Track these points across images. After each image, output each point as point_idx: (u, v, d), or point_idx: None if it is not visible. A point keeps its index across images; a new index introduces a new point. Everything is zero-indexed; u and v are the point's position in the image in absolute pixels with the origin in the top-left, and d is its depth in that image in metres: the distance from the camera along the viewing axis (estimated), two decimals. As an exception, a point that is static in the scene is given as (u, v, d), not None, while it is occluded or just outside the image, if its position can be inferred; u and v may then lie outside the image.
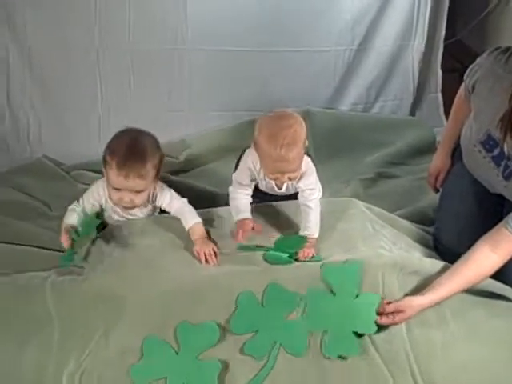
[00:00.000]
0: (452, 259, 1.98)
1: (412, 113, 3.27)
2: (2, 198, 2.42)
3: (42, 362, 1.60)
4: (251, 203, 1.91)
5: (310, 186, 1.84)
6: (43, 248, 2.15)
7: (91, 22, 2.70)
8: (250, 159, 1.86)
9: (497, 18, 3.44)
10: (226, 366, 1.58)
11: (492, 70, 1.87)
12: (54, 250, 2.13)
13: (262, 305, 1.66)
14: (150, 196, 1.93)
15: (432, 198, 2.35)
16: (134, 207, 1.90)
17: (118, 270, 1.77)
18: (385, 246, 1.88)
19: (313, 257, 1.79)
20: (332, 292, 1.68)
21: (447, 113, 2.57)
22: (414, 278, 1.75)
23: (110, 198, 1.89)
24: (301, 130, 1.73)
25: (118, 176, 1.78)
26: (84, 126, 2.83)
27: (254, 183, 1.90)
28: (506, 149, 1.79)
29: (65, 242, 1.85)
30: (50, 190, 2.54)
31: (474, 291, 1.80)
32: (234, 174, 1.91)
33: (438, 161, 2.27)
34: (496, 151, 1.88)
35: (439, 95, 3.26)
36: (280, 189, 1.91)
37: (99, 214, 1.96)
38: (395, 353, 1.63)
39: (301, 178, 1.83)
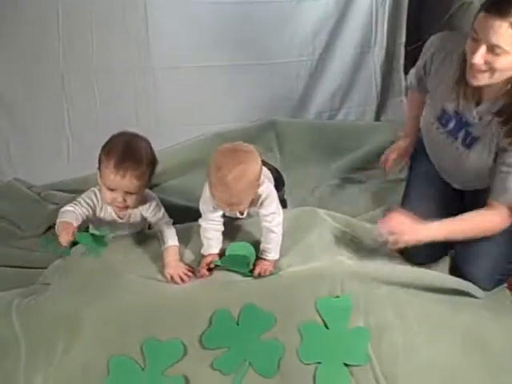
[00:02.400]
0: (412, 261, 2.07)
1: (377, 118, 3.34)
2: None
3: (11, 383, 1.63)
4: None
5: (272, 211, 1.84)
6: (13, 266, 2.23)
7: (55, 45, 2.71)
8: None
9: (459, 20, 3.49)
10: (192, 380, 1.62)
11: (442, 47, 1.98)
12: (23, 267, 2.23)
13: (238, 323, 1.69)
14: (141, 201, 1.93)
15: (397, 201, 2.39)
16: (126, 207, 1.89)
17: (80, 286, 1.79)
18: (345, 253, 1.93)
19: (271, 273, 1.81)
20: (325, 325, 1.71)
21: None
22: (374, 284, 1.80)
23: (104, 199, 1.88)
24: (251, 167, 1.71)
25: (114, 175, 1.78)
26: (53, 147, 2.84)
27: (221, 212, 1.89)
28: (460, 107, 1.90)
29: (63, 239, 1.72)
30: (21, 211, 2.58)
31: (437, 289, 1.86)
32: (200, 205, 1.91)
33: (401, 142, 2.34)
34: (451, 124, 1.97)
35: (403, 99, 3.29)
36: (242, 214, 1.91)
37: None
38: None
39: (262, 204, 1.83)
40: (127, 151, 1.81)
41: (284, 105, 3.14)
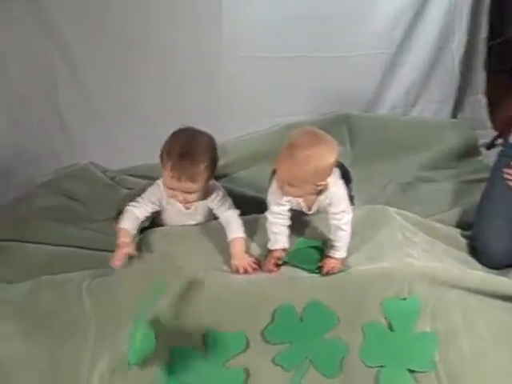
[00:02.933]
0: (489, 262, 2.02)
1: (454, 115, 3.25)
2: (49, 204, 2.57)
3: (79, 360, 1.69)
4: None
5: (342, 209, 1.81)
6: (85, 248, 2.30)
7: (132, 33, 2.77)
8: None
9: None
10: (252, 374, 1.63)
11: None
12: (94, 249, 2.29)
13: (301, 319, 1.68)
14: (206, 194, 1.94)
15: (470, 203, 2.34)
16: (187, 203, 1.93)
17: (147, 272, 1.82)
18: (415, 254, 1.87)
19: (339, 271, 1.78)
20: (390, 327, 1.68)
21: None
22: (443, 288, 1.75)
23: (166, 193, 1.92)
24: (325, 155, 1.69)
25: (171, 177, 1.82)
26: (127, 133, 2.90)
27: (288, 206, 1.87)
28: None
29: (118, 260, 1.81)
30: (95, 194, 2.67)
31: (505, 297, 1.79)
32: (267, 197, 1.90)
33: None
34: None
35: (482, 97, 3.21)
36: (310, 210, 1.90)
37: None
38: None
39: (332, 201, 1.80)
40: (184, 154, 1.81)
41: (357, 98, 3.09)
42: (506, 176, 2.09)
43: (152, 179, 2.08)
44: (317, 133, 1.73)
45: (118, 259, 1.81)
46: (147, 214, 1.95)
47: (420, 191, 2.64)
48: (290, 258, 1.83)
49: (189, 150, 1.82)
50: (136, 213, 1.91)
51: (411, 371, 1.62)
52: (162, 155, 1.86)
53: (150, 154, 2.71)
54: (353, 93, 3.07)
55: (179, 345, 1.65)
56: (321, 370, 1.63)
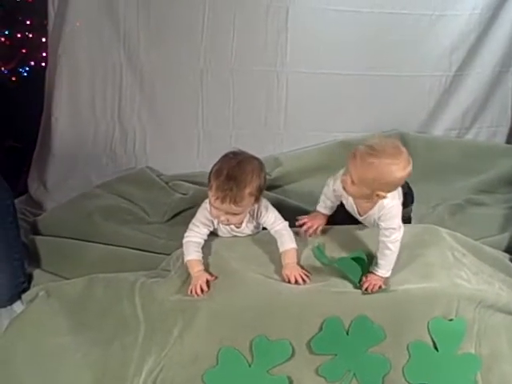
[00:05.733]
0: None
1: (508, 141, 3.21)
2: (105, 204, 2.66)
3: (127, 358, 1.75)
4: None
5: (392, 226, 1.82)
6: (137, 249, 2.36)
7: (197, 44, 2.87)
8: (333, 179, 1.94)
9: None
10: (295, 382, 1.66)
11: None
12: (147, 251, 2.36)
13: (347, 333, 1.70)
14: (254, 213, 1.98)
15: (521, 228, 2.33)
16: (230, 225, 1.96)
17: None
18: (464, 275, 1.87)
19: (380, 288, 1.78)
20: (435, 347, 1.69)
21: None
22: (490, 311, 1.76)
23: (210, 212, 1.93)
24: (392, 167, 1.70)
25: (215, 199, 1.84)
26: (185, 141, 2.99)
27: (338, 202, 1.95)
28: None
29: (199, 290, 1.81)
30: (150, 197, 2.75)
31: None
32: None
33: None
34: None
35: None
36: (361, 215, 1.92)
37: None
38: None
39: (384, 216, 1.81)
40: (229, 177, 1.82)
41: (413, 119, 3.10)
42: None
43: (205, 186, 2.11)
44: (399, 147, 1.76)
45: (198, 289, 1.81)
46: (205, 237, 1.97)
47: (470, 214, 2.63)
48: (339, 263, 1.83)
49: (236, 173, 1.84)
50: (195, 240, 1.94)
51: (452, 391, 1.63)
52: (209, 175, 1.88)
53: (204, 164, 2.83)
54: (409, 113, 3.09)
55: (227, 347, 1.69)
56: (362, 383, 1.65)
